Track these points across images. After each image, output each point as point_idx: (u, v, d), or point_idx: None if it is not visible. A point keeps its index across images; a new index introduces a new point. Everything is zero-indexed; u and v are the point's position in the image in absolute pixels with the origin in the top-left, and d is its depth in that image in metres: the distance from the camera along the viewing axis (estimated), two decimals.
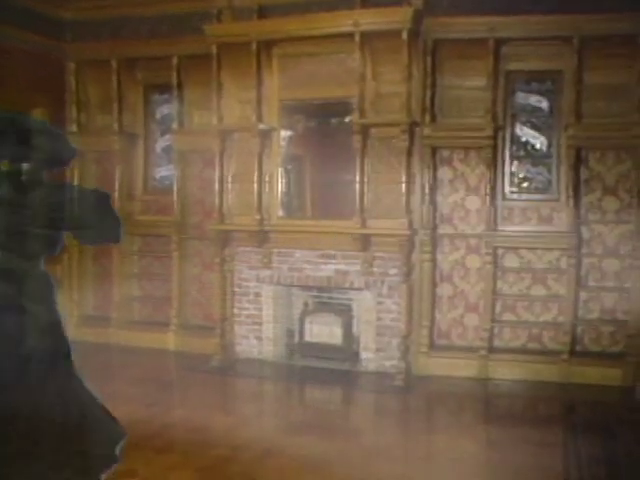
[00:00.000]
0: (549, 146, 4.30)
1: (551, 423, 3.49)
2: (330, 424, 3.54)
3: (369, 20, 4.01)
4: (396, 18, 3.95)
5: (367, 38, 4.06)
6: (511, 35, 4.04)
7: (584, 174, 4.18)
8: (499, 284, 4.32)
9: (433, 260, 4.34)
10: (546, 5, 3.85)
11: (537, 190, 4.35)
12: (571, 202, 4.10)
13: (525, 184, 4.38)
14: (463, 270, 4.37)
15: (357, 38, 4.03)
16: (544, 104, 4.29)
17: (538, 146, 4.34)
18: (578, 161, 4.13)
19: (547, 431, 3.32)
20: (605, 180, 4.18)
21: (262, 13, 4.44)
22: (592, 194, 4.19)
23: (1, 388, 2.12)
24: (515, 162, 4.37)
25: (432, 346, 4.36)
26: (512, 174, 4.37)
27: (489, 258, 4.24)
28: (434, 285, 4.36)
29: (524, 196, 4.34)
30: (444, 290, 4.41)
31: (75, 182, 5.10)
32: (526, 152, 4.36)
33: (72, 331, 5.33)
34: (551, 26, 3.93)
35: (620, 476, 2.86)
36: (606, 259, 4.18)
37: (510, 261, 4.35)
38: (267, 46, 4.36)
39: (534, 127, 4.31)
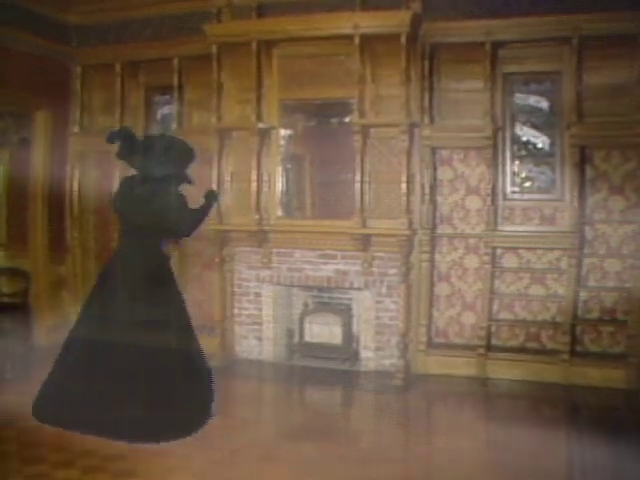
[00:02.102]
0: (552, 145, 4.26)
1: (552, 424, 3.47)
2: (330, 425, 3.54)
3: (368, 23, 4.03)
4: (395, 22, 3.98)
5: (366, 41, 4.09)
6: (508, 38, 4.05)
7: (590, 173, 4.15)
8: (497, 283, 4.31)
9: (431, 260, 4.35)
10: (543, 6, 3.84)
11: (540, 190, 4.32)
12: (576, 202, 4.06)
13: (528, 184, 4.35)
14: (461, 270, 4.38)
15: (357, 41, 4.05)
16: (544, 104, 4.26)
17: (540, 145, 4.31)
18: (583, 160, 4.09)
19: (548, 432, 3.29)
20: (611, 179, 4.14)
21: (261, 12, 4.46)
22: (598, 193, 4.15)
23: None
24: (517, 162, 4.34)
25: (430, 344, 4.38)
26: (514, 174, 4.34)
27: (487, 258, 4.24)
28: (432, 284, 4.37)
29: (526, 196, 4.32)
30: (442, 289, 4.41)
31: (75, 182, 5.13)
32: (528, 152, 4.33)
33: None
34: (549, 27, 3.91)
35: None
36: (608, 259, 4.14)
37: (509, 261, 4.34)
38: (267, 46, 4.37)
39: (535, 127, 4.28)
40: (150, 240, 3.32)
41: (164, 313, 3.26)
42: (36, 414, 3.20)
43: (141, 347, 3.11)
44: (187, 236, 3.59)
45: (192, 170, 3.52)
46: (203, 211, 3.51)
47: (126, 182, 3.46)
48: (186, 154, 3.44)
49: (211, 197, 3.59)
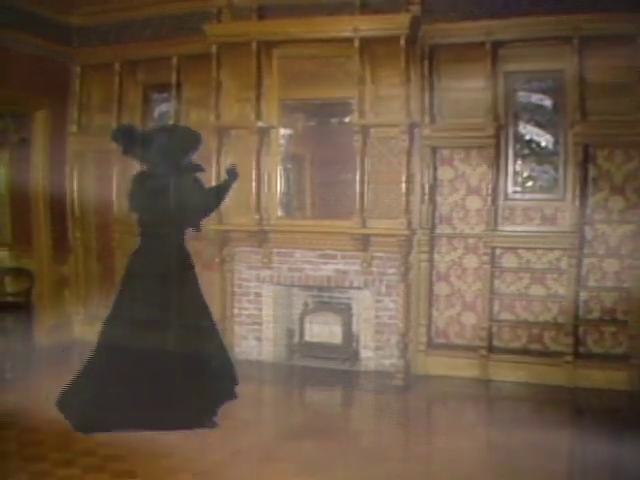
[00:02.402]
0: (555, 143, 4.22)
1: (554, 426, 3.45)
2: (330, 426, 3.54)
3: (368, 26, 4.04)
4: (394, 25, 3.98)
5: (366, 43, 4.09)
6: (508, 37, 4.03)
7: (592, 172, 4.12)
8: (496, 283, 4.30)
9: (430, 260, 4.34)
10: (543, 7, 3.82)
11: (542, 189, 4.29)
12: (577, 201, 4.04)
13: (530, 183, 4.32)
14: (460, 269, 4.37)
15: (356, 43, 4.06)
16: (547, 102, 4.22)
17: (543, 144, 4.27)
18: (586, 159, 4.06)
19: (550, 435, 3.29)
20: (613, 179, 4.11)
21: (262, 13, 4.46)
22: (599, 193, 4.13)
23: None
24: (519, 161, 4.31)
25: (430, 344, 4.37)
26: (516, 173, 4.31)
27: (486, 258, 4.22)
28: (431, 284, 4.37)
29: (527, 195, 4.30)
30: (441, 289, 4.41)
31: (75, 182, 5.15)
32: (531, 150, 4.30)
33: (78, 330, 5.45)
34: (549, 27, 3.89)
35: None
36: (607, 259, 4.13)
37: (508, 261, 4.32)
38: (267, 47, 4.37)
39: (538, 125, 4.24)
40: (167, 237, 3.33)
41: (164, 313, 3.26)
42: (61, 407, 3.24)
43: (141, 348, 3.13)
44: (212, 211, 3.71)
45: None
46: (225, 187, 3.64)
47: (136, 179, 3.48)
48: (189, 140, 3.46)
49: (231, 174, 3.66)
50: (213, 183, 4.41)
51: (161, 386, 3.15)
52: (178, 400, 3.17)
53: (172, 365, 3.19)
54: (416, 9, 4.06)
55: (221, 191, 3.66)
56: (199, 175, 3.55)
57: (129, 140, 3.34)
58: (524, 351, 4.26)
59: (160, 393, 3.15)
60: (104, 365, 3.21)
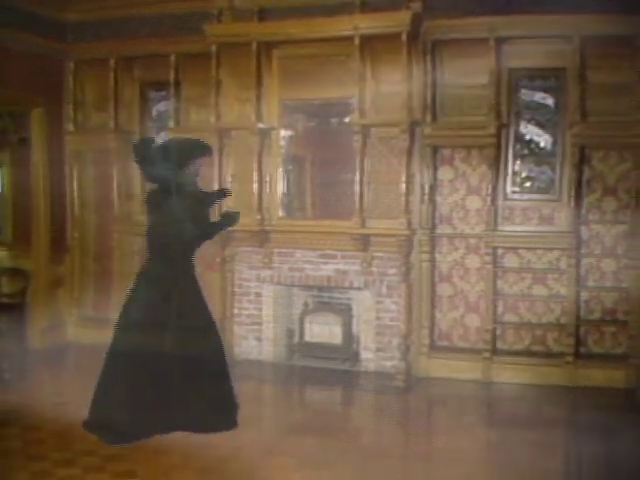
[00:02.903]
0: (554, 144, 4.24)
1: (555, 427, 3.46)
2: (330, 424, 3.54)
3: (368, 24, 4.03)
4: (395, 22, 3.97)
5: (367, 41, 4.08)
6: (511, 34, 4.03)
7: (587, 174, 4.15)
8: (499, 284, 4.30)
9: (432, 260, 4.34)
10: (545, 5, 3.82)
11: (539, 190, 4.31)
12: (572, 202, 4.07)
13: (528, 184, 4.34)
14: (462, 270, 4.36)
15: (357, 41, 4.05)
16: (549, 101, 4.22)
17: (543, 144, 4.28)
18: (582, 160, 4.09)
19: (550, 435, 3.30)
20: (606, 180, 4.15)
21: (263, 15, 4.45)
22: (593, 194, 4.16)
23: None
24: (518, 161, 4.31)
25: (433, 347, 4.36)
26: (515, 173, 4.32)
27: (489, 258, 4.23)
28: (433, 285, 4.36)
29: (526, 196, 4.31)
30: (444, 290, 4.40)
31: (74, 182, 5.11)
32: (530, 151, 4.30)
33: (72, 332, 5.39)
34: (551, 26, 3.91)
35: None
36: (604, 259, 4.15)
37: (510, 261, 4.33)
38: (267, 47, 4.36)
39: (539, 125, 4.24)
40: (168, 253, 3.26)
41: (163, 315, 3.24)
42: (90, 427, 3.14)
43: (141, 351, 3.11)
44: (197, 245, 3.40)
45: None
46: (213, 229, 3.41)
47: (148, 193, 3.48)
48: (186, 151, 3.33)
49: (228, 219, 3.45)
50: (215, 185, 4.42)
51: (184, 388, 3.14)
52: (214, 402, 3.20)
53: (195, 367, 3.18)
54: (417, 6, 4.05)
55: (214, 229, 3.41)
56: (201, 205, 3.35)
57: (139, 156, 3.24)
58: (527, 353, 4.26)
59: (187, 395, 3.14)
60: (127, 371, 3.13)
